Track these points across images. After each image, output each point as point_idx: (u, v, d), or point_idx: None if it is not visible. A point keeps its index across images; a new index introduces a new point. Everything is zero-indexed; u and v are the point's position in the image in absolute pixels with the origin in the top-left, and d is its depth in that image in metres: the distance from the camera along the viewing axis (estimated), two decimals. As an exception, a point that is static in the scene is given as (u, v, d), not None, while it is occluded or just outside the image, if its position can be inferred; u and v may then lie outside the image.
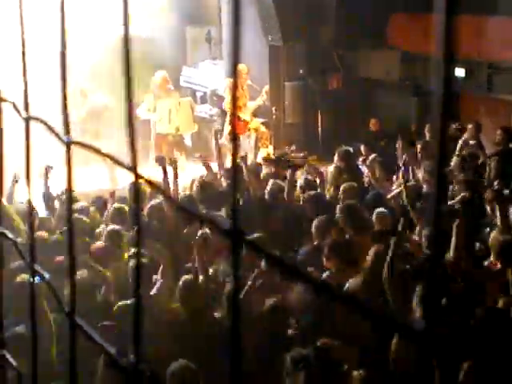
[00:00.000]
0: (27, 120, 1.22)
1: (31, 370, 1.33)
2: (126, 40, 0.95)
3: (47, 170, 7.57)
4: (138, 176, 0.98)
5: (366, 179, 8.59)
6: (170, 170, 7.95)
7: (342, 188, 7.75)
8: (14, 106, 1.29)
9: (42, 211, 7.69)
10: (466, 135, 9.65)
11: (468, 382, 4.07)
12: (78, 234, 5.93)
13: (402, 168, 8.03)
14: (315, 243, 6.46)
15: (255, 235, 6.07)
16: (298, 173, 8.48)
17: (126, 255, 6.33)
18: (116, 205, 7.35)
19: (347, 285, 5.52)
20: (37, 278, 1.26)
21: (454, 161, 8.52)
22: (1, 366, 1.51)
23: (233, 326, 0.88)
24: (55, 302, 1.19)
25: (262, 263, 5.38)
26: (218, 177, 8.79)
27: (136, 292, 1.04)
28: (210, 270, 6.06)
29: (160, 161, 7.92)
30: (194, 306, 5.36)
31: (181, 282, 5.46)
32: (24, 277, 4.99)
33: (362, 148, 9.62)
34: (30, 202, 1.60)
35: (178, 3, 13.07)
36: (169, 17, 12.97)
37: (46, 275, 1.23)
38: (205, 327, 5.20)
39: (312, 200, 7.48)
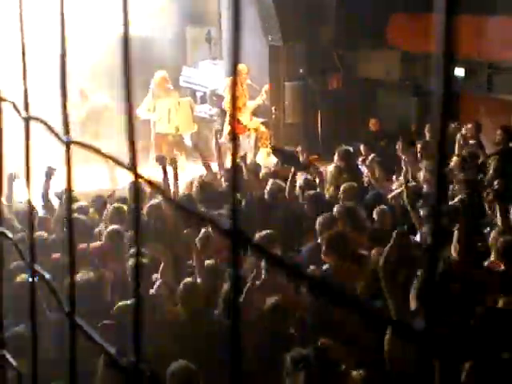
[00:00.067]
0: (27, 120, 1.22)
1: (31, 370, 1.33)
2: (126, 40, 0.95)
3: (50, 171, 7.55)
4: (137, 176, 0.98)
5: (365, 179, 8.60)
6: (169, 170, 7.95)
7: (342, 188, 7.76)
8: (14, 105, 1.29)
9: (41, 211, 7.69)
10: (465, 133, 9.66)
11: (469, 383, 4.07)
12: (77, 233, 5.93)
13: (404, 168, 8.02)
14: (318, 241, 6.46)
15: (264, 232, 6.11)
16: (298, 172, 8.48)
17: (125, 255, 6.33)
18: (115, 204, 7.35)
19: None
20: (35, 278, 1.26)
21: (454, 160, 8.52)
22: (1, 366, 1.51)
23: (233, 326, 0.88)
24: (55, 302, 1.19)
25: (263, 263, 5.39)
26: (218, 177, 8.79)
27: (136, 292, 1.04)
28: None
29: (160, 160, 7.93)
30: (194, 307, 5.35)
31: (181, 284, 5.45)
32: (24, 277, 4.99)
33: (362, 148, 9.62)
34: (29, 202, 1.60)
35: (178, 3, 13.07)
36: (169, 17, 12.97)
37: (46, 275, 1.23)
38: (205, 327, 5.20)
39: (312, 200, 7.49)
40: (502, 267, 5.57)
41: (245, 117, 11.68)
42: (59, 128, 1.14)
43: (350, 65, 12.98)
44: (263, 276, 5.51)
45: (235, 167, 0.90)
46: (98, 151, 1.09)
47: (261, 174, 8.73)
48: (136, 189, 1.05)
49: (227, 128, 11.57)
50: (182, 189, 8.55)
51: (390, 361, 4.54)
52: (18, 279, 5.06)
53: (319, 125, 12.92)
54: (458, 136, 9.38)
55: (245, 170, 8.12)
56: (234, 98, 0.94)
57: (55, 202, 7.62)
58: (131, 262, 5.89)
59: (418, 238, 6.66)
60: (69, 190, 1.17)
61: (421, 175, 8.25)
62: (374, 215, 6.98)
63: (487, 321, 4.57)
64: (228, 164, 8.63)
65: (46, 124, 1.17)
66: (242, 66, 10.76)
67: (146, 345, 1.03)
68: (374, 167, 8.51)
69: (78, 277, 5.34)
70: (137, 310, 1.03)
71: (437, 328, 0.72)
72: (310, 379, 4.22)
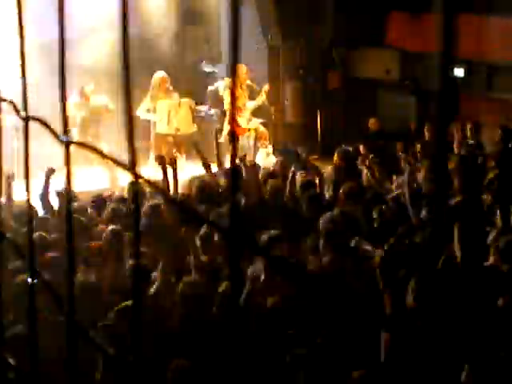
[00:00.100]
0: (26, 120, 1.22)
1: (31, 370, 1.33)
2: (125, 40, 0.95)
3: (50, 172, 7.55)
4: (136, 176, 0.98)
5: (365, 179, 8.59)
6: (169, 170, 7.95)
7: (342, 188, 7.76)
8: (13, 105, 1.29)
9: (40, 211, 7.69)
10: (464, 133, 9.67)
11: (469, 383, 4.07)
12: (76, 233, 5.93)
13: (408, 169, 7.99)
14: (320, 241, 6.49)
15: (271, 232, 6.13)
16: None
17: (125, 255, 6.33)
18: (113, 204, 7.35)
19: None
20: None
21: (453, 160, 8.51)
22: (0, 365, 1.51)
23: (233, 325, 0.88)
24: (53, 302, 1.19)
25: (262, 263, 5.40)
26: (218, 177, 8.79)
27: (135, 292, 1.04)
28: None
29: (160, 160, 7.93)
30: (193, 306, 5.35)
31: (181, 283, 5.45)
32: (23, 277, 4.99)
33: (361, 148, 9.62)
34: (29, 202, 1.60)
35: (178, 3, 13.07)
36: (168, 17, 12.96)
37: (45, 275, 1.23)
38: (204, 326, 5.20)
39: (310, 200, 7.49)
40: (502, 267, 5.57)
41: (244, 117, 11.68)
42: (58, 128, 1.14)
43: (349, 64, 12.99)
44: (262, 277, 5.50)
45: (234, 167, 0.90)
46: (97, 151, 1.09)
47: (260, 175, 8.73)
48: (135, 189, 1.05)
49: (227, 128, 11.57)
50: (182, 189, 8.55)
51: (386, 361, 4.55)
52: (18, 279, 5.06)
53: (319, 125, 12.93)
54: (458, 136, 9.38)
55: (244, 170, 8.12)
56: (233, 98, 0.94)
57: (55, 203, 7.62)
58: (131, 261, 5.89)
59: (417, 238, 6.65)
60: (68, 189, 1.17)
61: (420, 175, 8.25)
62: (374, 215, 6.98)
63: (487, 321, 4.57)
64: (227, 164, 8.63)
65: (44, 124, 1.17)
66: (241, 66, 10.76)
67: (146, 344, 1.03)
68: (374, 167, 8.51)
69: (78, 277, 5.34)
70: (137, 310, 1.03)
71: (433, 327, 0.72)
72: (310, 379, 4.23)
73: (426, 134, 10.20)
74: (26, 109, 1.22)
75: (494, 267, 5.65)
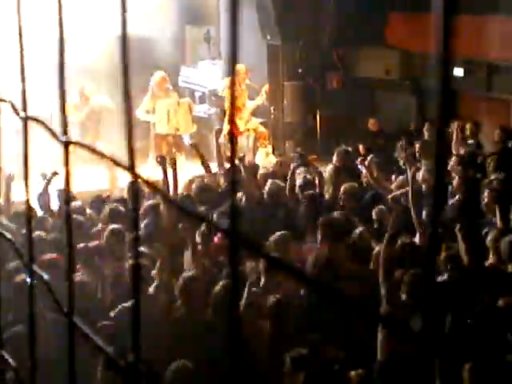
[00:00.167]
0: (25, 120, 1.22)
1: (30, 370, 1.33)
2: (125, 40, 0.94)
3: (53, 175, 7.55)
4: (136, 176, 0.98)
5: (364, 179, 8.59)
6: (169, 170, 7.94)
7: (342, 188, 7.76)
8: (13, 105, 1.29)
9: (40, 211, 7.69)
10: (463, 133, 9.67)
11: (469, 383, 4.06)
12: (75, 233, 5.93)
13: (412, 169, 7.97)
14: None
15: (278, 233, 6.15)
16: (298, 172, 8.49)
17: (125, 255, 6.33)
18: (112, 205, 7.35)
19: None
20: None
21: (452, 160, 8.51)
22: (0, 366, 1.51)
23: (233, 326, 0.88)
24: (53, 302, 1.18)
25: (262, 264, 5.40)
26: (217, 177, 8.79)
27: (135, 292, 1.04)
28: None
29: (160, 161, 7.92)
30: (193, 301, 5.35)
31: (180, 280, 5.45)
32: (23, 277, 4.99)
33: (361, 148, 9.62)
34: (28, 202, 1.59)
35: (178, 3, 13.06)
36: (168, 16, 12.96)
37: (45, 276, 1.23)
38: (204, 326, 5.19)
39: (309, 200, 7.49)
40: (502, 267, 5.57)
41: (244, 117, 11.67)
42: (58, 128, 1.14)
43: (349, 64, 12.98)
44: (262, 277, 5.50)
45: (234, 167, 0.90)
46: (96, 151, 1.09)
47: (259, 174, 8.73)
48: (134, 189, 1.05)
49: (226, 128, 11.56)
50: (181, 189, 8.55)
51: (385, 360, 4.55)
52: (17, 279, 5.06)
53: (318, 125, 12.92)
54: (457, 136, 9.38)
55: (243, 170, 8.12)
56: (232, 98, 0.93)
57: (55, 203, 7.63)
58: (131, 261, 5.89)
59: (417, 238, 6.64)
60: (67, 189, 1.17)
61: (420, 175, 8.24)
62: (373, 215, 6.98)
63: (487, 321, 4.57)
64: (227, 164, 8.63)
65: (44, 124, 1.17)
66: (240, 66, 10.74)
67: (145, 344, 1.03)
68: (373, 167, 8.50)
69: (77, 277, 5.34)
70: (136, 310, 1.02)
71: (436, 328, 0.72)
72: (309, 379, 4.22)
73: (426, 133, 10.20)
74: (25, 109, 1.22)
75: (494, 267, 5.65)
